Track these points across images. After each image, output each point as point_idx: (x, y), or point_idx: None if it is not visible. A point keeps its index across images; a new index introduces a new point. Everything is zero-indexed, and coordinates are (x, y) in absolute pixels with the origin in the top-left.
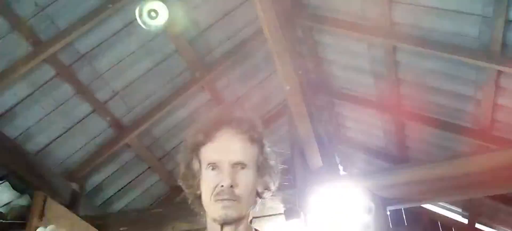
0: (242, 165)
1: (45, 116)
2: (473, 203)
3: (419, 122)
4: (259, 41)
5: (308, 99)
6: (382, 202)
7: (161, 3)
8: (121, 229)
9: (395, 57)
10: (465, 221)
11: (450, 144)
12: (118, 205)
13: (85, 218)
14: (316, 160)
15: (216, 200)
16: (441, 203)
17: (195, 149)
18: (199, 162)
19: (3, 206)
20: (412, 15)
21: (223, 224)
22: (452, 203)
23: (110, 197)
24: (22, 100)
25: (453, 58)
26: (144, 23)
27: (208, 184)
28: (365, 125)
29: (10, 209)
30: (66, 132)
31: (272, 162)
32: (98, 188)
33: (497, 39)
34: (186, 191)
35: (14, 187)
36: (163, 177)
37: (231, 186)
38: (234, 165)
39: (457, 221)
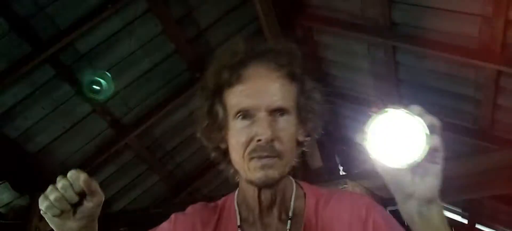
0: (282, 111)
1: (45, 115)
2: (473, 203)
3: None
4: (259, 41)
5: None
6: (382, 201)
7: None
8: (121, 229)
9: (395, 57)
10: (465, 221)
11: (450, 144)
12: (118, 205)
13: None
14: (316, 160)
15: (252, 158)
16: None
17: (218, 91)
18: (224, 108)
19: (3, 206)
20: (412, 15)
21: (262, 186)
22: (452, 203)
23: (110, 197)
24: (22, 100)
25: (453, 58)
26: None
27: (239, 137)
28: (365, 125)
29: (10, 209)
30: (66, 132)
31: (314, 102)
32: None
33: (497, 39)
34: (208, 145)
35: (14, 187)
36: (163, 177)
37: (272, 140)
38: (272, 112)
39: (457, 221)
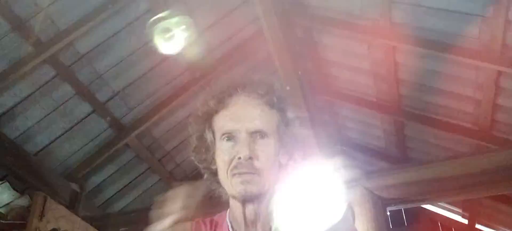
0: (261, 134)
1: (45, 116)
2: (473, 203)
3: (419, 122)
4: (259, 41)
5: (307, 100)
6: (382, 202)
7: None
8: (121, 229)
9: (395, 57)
10: (465, 221)
11: (450, 144)
12: (118, 205)
13: (85, 218)
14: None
15: (234, 175)
16: (441, 203)
17: (208, 118)
18: (213, 133)
19: (3, 206)
20: (412, 15)
21: (244, 201)
22: (452, 203)
23: (110, 197)
24: (22, 100)
25: (453, 58)
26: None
27: (224, 156)
28: (365, 125)
29: (10, 209)
30: (66, 132)
31: (295, 129)
32: (98, 188)
33: (497, 39)
34: (200, 166)
35: (14, 187)
36: (163, 177)
37: (250, 158)
38: (252, 134)
39: (457, 221)
